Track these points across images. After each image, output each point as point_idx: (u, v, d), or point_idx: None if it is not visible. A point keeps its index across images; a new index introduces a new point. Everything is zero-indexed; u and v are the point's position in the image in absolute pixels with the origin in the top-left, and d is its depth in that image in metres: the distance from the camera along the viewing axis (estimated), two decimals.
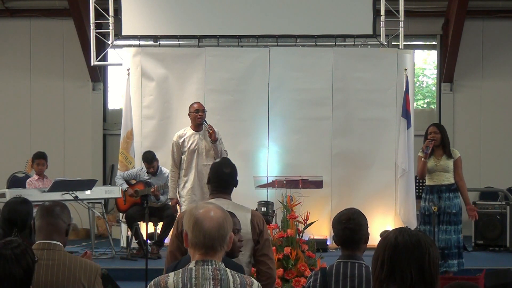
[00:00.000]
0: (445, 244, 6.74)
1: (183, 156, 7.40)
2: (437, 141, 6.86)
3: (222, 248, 2.63)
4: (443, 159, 6.88)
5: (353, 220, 3.46)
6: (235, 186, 4.14)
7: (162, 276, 2.62)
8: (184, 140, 7.38)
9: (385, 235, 2.40)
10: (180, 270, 2.61)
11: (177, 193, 7.46)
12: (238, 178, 4.15)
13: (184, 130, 7.48)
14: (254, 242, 3.93)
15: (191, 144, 7.35)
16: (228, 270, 2.63)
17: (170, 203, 7.77)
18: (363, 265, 3.44)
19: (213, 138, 7.24)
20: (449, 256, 6.76)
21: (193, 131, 7.41)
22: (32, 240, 3.54)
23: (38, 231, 3.41)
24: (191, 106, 7.52)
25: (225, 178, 4.05)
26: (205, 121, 7.36)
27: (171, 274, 2.60)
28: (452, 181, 6.88)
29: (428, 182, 6.97)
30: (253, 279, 2.68)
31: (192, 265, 2.60)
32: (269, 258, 3.96)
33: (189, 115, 7.50)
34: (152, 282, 2.61)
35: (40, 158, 8.71)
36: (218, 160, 4.39)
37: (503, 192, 9.78)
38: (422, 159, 6.86)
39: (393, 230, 2.40)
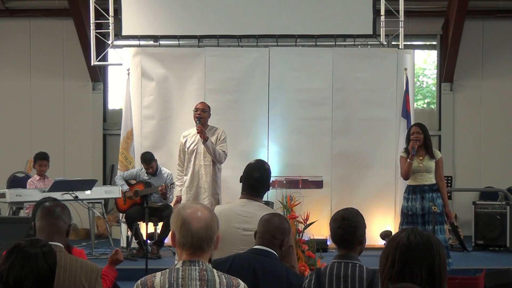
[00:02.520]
0: None
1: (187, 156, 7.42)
2: (420, 141, 6.83)
3: (209, 248, 2.63)
4: (426, 159, 6.85)
5: (347, 221, 3.43)
6: (268, 189, 4.17)
7: (149, 275, 2.62)
8: (186, 140, 7.41)
9: (395, 234, 2.40)
10: (167, 270, 2.60)
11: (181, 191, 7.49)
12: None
13: (190, 130, 7.48)
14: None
15: (191, 144, 7.36)
16: (214, 270, 2.63)
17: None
18: (357, 265, 3.42)
19: (203, 137, 7.15)
20: None
21: (195, 131, 7.36)
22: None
23: (38, 232, 3.42)
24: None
25: (253, 183, 4.10)
26: (198, 120, 7.24)
27: (158, 274, 2.61)
28: (434, 181, 6.86)
29: (410, 182, 6.92)
30: (239, 280, 2.66)
31: (179, 265, 2.61)
32: (292, 266, 3.76)
33: None
34: (138, 281, 2.61)
35: (42, 159, 8.70)
36: (252, 161, 4.30)
37: (503, 192, 9.76)
38: (408, 160, 6.82)
39: (403, 229, 2.41)
